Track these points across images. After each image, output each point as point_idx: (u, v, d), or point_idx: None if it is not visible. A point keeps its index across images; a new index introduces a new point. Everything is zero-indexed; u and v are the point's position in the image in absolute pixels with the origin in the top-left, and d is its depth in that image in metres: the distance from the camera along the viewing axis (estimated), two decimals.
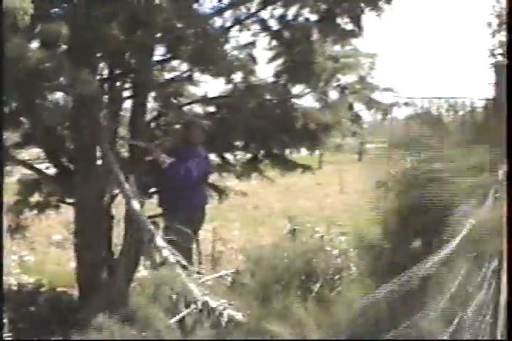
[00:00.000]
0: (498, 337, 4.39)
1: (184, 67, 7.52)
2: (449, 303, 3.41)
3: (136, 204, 6.35)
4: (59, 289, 8.57)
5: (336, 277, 7.92)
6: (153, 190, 7.42)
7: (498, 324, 4.08)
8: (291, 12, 7.22)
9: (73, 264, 7.92)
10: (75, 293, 7.74)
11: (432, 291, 3.50)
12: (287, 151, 7.91)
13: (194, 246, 7.29)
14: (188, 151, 7.01)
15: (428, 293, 3.53)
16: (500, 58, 6.35)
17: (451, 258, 3.37)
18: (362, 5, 6.93)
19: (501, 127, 3.54)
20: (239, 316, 4.30)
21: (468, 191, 3.88)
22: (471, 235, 3.39)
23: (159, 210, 7.33)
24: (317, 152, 8.01)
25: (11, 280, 8.86)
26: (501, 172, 3.72)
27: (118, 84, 7.04)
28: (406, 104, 7.78)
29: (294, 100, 7.61)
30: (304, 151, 8.25)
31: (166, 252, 5.39)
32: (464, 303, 3.49)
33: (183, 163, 6.81)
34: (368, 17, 6.99)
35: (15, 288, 8.41)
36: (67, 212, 8.19)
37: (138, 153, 7.01)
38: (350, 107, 8.25)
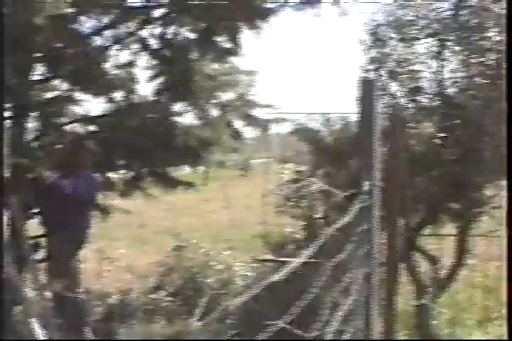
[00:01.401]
0: None
1: (65, 86, 7.50)
2: None
3: (19, 224, 6.35)
4: None
5: (222, 291, 8.07)
6: (35, 210, 7.32)
7: None
8: (171, 31, 7.32)
9: None
10: None
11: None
12: (170, 169, 7.95)
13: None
14: (73, 172, 6.91)
15: None
16: (372, 74, 6.63)
17: None
18: (239, 23, 7.07)
19: (372, 139, 3.71)
20: None
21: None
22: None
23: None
24: (201, 169, 8.08)
25: None
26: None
27: None
28: (283, 119, 8.00)
29: (175, 118, 7.67)
30: (187, 168, 8.31)
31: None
32: None
33: (68, 183, 6.72)
34: (247, 35, 7.15)
35: None
36: None
37: (19, 172, 6.91)
38: (230, 124, 8.35)
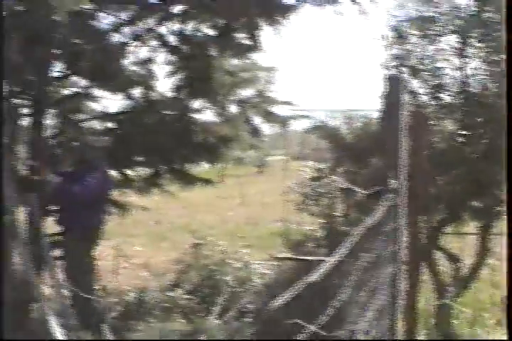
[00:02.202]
0: None
1: (83, 82, 7.49)
2: None
3: (37, 221, 6.36)
4: None
5: (240, 289, 8.02)
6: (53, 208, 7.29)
7: None
8: (189, 27, 7.28)
9: None
10: None
11: None
12: (188, 165, 7.92)
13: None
14: (88, 170, 6.86)
15: None
16: (393, 71, 6.54)
17: None
18: (259, 20, 7.02)
19: (397, 137, 3.65)
20: None
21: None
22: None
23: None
24: (218, 165, 8.07)
25: None
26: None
27: (16, 101, 6.94)
28: (303, 116, 7.94)
29: (193, 114, 7.64)
30: (205, 165, 8.28)
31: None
32: None
33: (82, 181, 6.68)
34: (266, 31, 7.09)
35: None
36: None
37: (36, 171, 6.89)
38: (249, 120, 8.33)
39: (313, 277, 2.54)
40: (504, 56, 4.07)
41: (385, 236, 3.48)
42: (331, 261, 2.83)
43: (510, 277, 3.90)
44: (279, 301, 2.71)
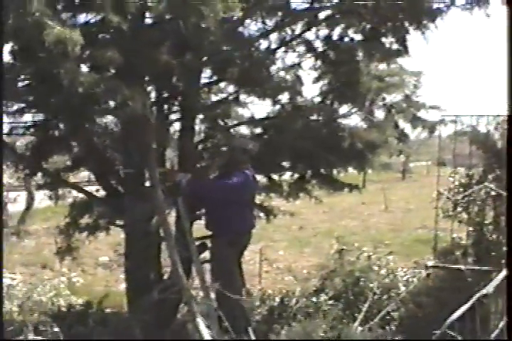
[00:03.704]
0: None
1: (231, 88, 7.61)
2: None
3: (186, 225, 6.51)
4: (108, 310, 8.63)
5: (385, 296, 7.92)
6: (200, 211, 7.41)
7: None
8: (336, 32, 7.27)
9: (121, 285, 7.98)
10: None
11: None
12: (334, 171, 7.90)
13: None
14: (235, 174, 6.91)
15: None
16: None
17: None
18: (406, 24, 6.93)
19: None
20: None
21: None
22: None
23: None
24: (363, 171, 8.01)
25: (60, 302, 8.95)
26: None
27: (166, 106, 7.12)
28: (453, 121, 7.77)
29: (340, 120, 7.61)
30: (350, 171, 8.24)
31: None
32: None
33: (230, 185, 6.75)
34: (413, 36, 6.99)
35: (64, 309, 8.46)
36: (114, 234, 8.27)
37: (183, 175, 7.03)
38: (396, 126, 8.23)
39: (489, 289, 2.48)
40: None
41: None
42: (503, 273, 2.75)
43: (510, 277, 3.77)
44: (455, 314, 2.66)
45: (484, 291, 2.40)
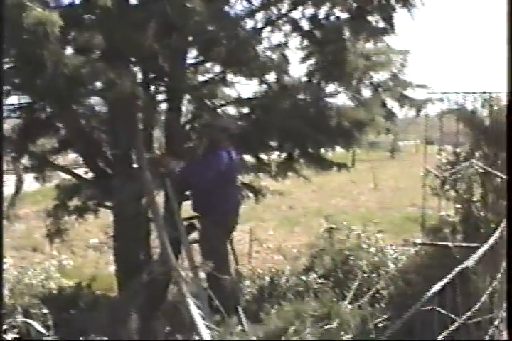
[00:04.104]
0: None
1: (217, 68, 7.59)
2: None
3: (174, 206, 6.53)
4: (98, 292, 8.64)
5: (374, 274, 7.96)
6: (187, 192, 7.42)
7: None
8: (322, 11, 7.23)
9: (112, 267, 7.98)
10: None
11: None
12: (322, 150, 7.90)
13: (229, 247, 7.35)
14: (219, 154, 6.91)
15: None
16: None
17: None
18: (392, 1, 6.91)
19: None
20: None
21: None
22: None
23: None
24: (351, 150, 8.01)
25: (51, 284, 8.94)
26: None
27: (152, 87, 7.10)
28: (440, 99, 7.77)
29: (327, 99, 7.60)
30: (338, 149, 8.24)
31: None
32: None
33: (215, 166, 6.77)
34: (399, 14, 6.97)
35: (55, 291, 8.46)
36: (104, 216, 8.25)
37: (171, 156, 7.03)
38: (384, 104, 8.22)
39: (470, 262, 2.49)
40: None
41: None
42: (484, 247, 2.77)
43: (510, 277, 3.80)
44: (435, 287, 2.67)
45: (464, 265, 2.41)
